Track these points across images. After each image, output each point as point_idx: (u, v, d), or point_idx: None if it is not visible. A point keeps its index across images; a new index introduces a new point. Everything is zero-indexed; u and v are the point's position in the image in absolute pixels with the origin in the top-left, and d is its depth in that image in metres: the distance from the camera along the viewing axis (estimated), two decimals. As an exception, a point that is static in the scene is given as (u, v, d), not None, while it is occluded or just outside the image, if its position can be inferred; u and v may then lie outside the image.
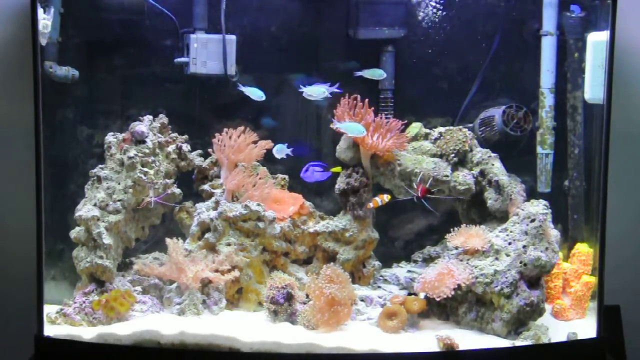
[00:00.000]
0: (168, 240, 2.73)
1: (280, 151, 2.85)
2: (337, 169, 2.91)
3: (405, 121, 2.90)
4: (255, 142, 2.88)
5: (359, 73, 2.83)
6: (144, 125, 2.86)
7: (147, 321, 2.60)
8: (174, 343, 2.42)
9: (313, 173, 2.89)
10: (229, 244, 2.78)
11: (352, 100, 2.83)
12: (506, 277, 2.55)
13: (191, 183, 3.03)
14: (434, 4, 2.99)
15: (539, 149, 2.99)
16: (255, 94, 2.80)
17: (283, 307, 2.63)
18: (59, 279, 2.90)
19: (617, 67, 2.57)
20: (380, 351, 2.40)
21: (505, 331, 2.53)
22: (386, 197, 2.77)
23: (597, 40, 2.78)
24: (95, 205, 2.76)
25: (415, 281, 2.72)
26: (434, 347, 2.43)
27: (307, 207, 2.97)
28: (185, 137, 2.99)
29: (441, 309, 2.70)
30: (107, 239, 2.71)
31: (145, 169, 2.81)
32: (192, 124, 3.04)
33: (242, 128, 2.87)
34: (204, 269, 2.68)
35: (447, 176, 2.84)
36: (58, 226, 2.82)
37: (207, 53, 2.90)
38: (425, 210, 2.80)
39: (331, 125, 2.82)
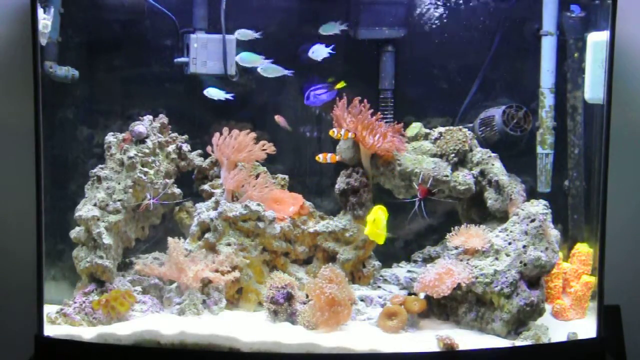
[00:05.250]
0: (170, 239, 2.73)
1: (319, 53, 2.78)
2: (341, 84, 2.82)
3: (402, 123, 2.91)
4: (258, 143, 2.88)
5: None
6: (143, 125, 2.86)
7: (147, 321, 2.60)
8: (174, 343, 2.42)
9: (316, 97, 2.83)
10: (229, 244, 2.78)
11: (353, 101, 2.83)
12: (506, 277, 2.55)
13: (191, 183, 3.03)
14: (434, 4, 2.99)
15: (539, 149, 2.98)
16: (218, 95, 2.84)
17: (283, 307, 2.63)
18: (59, 279, 2.90)
19: (617, 67, 2.57)
20: (380, 351, 2.40)
21: (505, 331, 2.53)
22: (329, 157, 2.80)
23: (597, 40, 2.78)
24: (95, 205, 2.76)
25: (415, 281, 2.72)
26: (434, 347, 2.43)
27: (307, 207, 2.97)
28: (185, 137, 2.99)
29: (441, 309, 2.70)
30: (107, 239, 2.71)
31: (145, 169, 2.81)
32: (192, 124, 3.04)
33: (236, 130, 2.87)
34: (204, 269, 2.68)
35: (447, 176, 2.84)
36: (58, 226, 2.82)
37: (207, 53, 2.90)
38: (426, 211, 2.79)
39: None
